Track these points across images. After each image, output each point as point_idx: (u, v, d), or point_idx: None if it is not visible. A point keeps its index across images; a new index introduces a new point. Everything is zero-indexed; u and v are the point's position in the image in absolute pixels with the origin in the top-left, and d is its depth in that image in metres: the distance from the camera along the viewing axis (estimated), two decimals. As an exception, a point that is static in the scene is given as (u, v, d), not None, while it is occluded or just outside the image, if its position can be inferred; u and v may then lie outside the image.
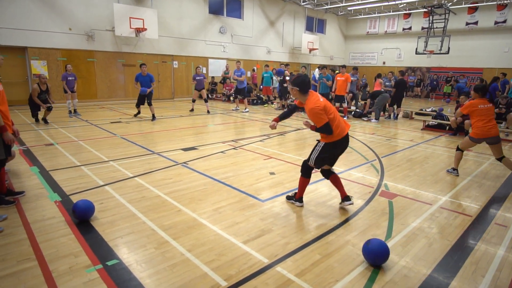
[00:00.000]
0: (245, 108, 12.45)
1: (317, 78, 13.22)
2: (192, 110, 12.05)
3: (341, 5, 21.02)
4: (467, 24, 19.96)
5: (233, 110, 12.67)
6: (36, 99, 8.49)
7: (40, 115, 9.02)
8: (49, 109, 8.70)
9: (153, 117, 9.99)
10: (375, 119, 10.97)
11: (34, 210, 3.61)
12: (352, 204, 3.82)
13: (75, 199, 3.92)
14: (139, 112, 10.34)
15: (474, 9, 19.53)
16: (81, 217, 3.31)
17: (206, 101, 11.91)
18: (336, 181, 3.86)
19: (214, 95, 17.25)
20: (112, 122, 9.33)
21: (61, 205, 3.75)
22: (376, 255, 2.68)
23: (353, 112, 12.13)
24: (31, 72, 12.21)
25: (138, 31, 13.79)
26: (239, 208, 3.81)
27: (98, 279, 2.47)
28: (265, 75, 14.24)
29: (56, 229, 3.20)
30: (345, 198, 3.82)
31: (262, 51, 20.24)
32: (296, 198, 3.91)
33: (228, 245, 2.99)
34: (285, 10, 21.03)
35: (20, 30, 11.68)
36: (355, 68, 13.38)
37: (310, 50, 22.04)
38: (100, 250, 2.86)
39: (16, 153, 5.54)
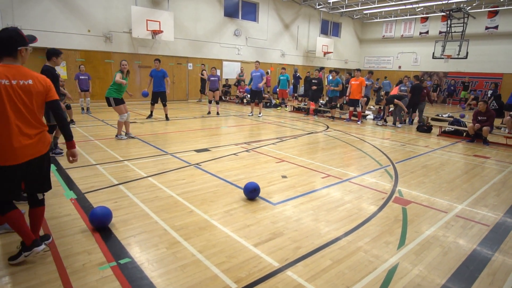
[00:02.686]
0: (259, 113, 12.11)
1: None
2: (209, 113, 12.04)
3: (357, 8, 20.89)
4: (487, 28, 19.52)
5: (248, 115, 12.09)
6: None
7: None
8: (68, 107, 8.91)
9: (167, 118, 10.14)
10: (400, 123, 11.08)
11: (50, 207, 3.69)
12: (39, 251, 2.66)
13: (90, 197, 4.00)
14: (151, 114, 10.27)
15: (495, 13, 19.08)
16: (99, 225, 3.23)
17: (217, 103, 11.94)
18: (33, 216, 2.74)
19: (227, 98, 17.35)
20: (127, 122, 9.47)
21: (76, 203, 3.83)
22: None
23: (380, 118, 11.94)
24: (51, 72, 12.54)
25: (155, 33, 14.03)
26: (251, 210, 3.81)
27: (111, 276, 2.51)
28: (281, 78, 14.20)
29: (71, 226, 3.27)
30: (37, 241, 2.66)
31: (276, 54, 20.27)
32: (28, 244, 2.59)
33: (239, 248, 2.99)
34: (300, 13, 21.03)
35: (42, 32, 12.02)
36: (370, 72, 13.24)
37: (325, 53, 21.96)
38: (113, 248, 2.90)
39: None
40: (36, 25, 11.84)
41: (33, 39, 2.60)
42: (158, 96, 9.87)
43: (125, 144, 6.84)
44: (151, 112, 10.29)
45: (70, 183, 4.45)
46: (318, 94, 12.69)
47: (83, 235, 3.11)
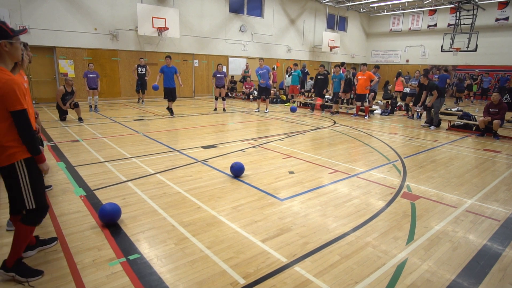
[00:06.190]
0: (266, 109, 12.05)
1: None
2: (215, 109, 12.06)
3: (364, 2, 20.64)
4: (497, 20, 19.13)
5: (255, 111, 12.02)
6: (59, 100, 8.82)
7: (74, 116, 9.37)
8: (76, 105, 8.99)
9: (170, 111, 10.55)
10: (435, 125, 9.66)
11: (60, 204, 3.75)
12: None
13: (99, 194, 4.04)
14: (172, 111, 10.61)
15: (505, 3, 18.68)
16: (108, 221, 3.26)
17: (223, 99, 11.95)
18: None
19: (234, 94, 17.33)
20: (134, 120, 9.56)
21: (86, 200, 3.87)
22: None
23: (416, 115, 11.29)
24: (59, 71, 12.67)
25: (161, 30, 14.05)
26: (258, 206, 3.82)
27: (121, 272, 2.54)
28: (293, 73, 14.14)
29: (81, 223, 3.31)
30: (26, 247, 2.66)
31: (282, 50, 20.16)
32: (10, 266, 2.42)
33: (247, 243, 3.00)
34: (306, 7, 20.85)
35: (49, 31, 12.14)
36: (377, 67, 13.09)
37: (331, 48, 21.77)
38: (122, 244, 2.94)
39: (45, 149, 5.77)
40: (43, 24, 11.95)
41: (19, 31, 2.33)
42: (170, 91, 10.28)
43: (133, 141, 6.89)
44: (170, 108, 10.59)
45: (79, 180, 4.50)
46: (322, 89, 12.50)
47: (93, 231, 3.15)
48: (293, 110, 10.43)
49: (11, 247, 2.43)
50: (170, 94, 10.29)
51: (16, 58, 2.35)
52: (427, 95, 9.99)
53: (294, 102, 14.63)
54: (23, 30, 2.40)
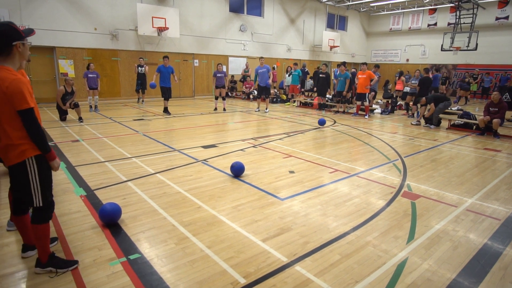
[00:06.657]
0: (266, 108, 12.06)
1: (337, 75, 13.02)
2: (215, 109, 12.07)
3: (364, 1, 20.62)
4: (497, 19, 19.11)
5: (255, 111, 12.02)
6: (59, 100, 8.82)
7: (74, 116, 9.37)
8: (76, 105, 8.99)
9: (166, 111, 10.74)
10: (435, 125, 9.66)
11: (61, 204, 3.74)
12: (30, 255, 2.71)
13: (99, 194, 4.04)
14: (167, 110, 10.79)
15: (505, 2, 18.66)
16: (108, 221, 3.26)
17: (224, 98, 11.94)
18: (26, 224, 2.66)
19: (234, 93, 17.32)
20: (134, 120, 9.55)
21: (86, 200, 3.87)
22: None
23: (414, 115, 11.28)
24: (59, 71, 12.68)
25: (160, 30, 14.05)
26: (258, 206, 3.82)
27: (121, 272, 2.54)
28: (293, 73, 14.17)
29: (81, 223, 3.31)
30: (27, 247, 2.72)
31: (282, 49, 20.15)
32: (45, 262, 2.51)
33: (247, 243, 3.00)
34: (306, 7, 20.84)
35: (49, 31, 12.14)
36: (377, 66, 13.07)
37: (331, 47, 21.76)
38: (122, 244, 2.94)
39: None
40: (43, 24, 11.94)
41: (29, 32, 2.35)
42: (166, 90, 10.60)
43: (133, 141, 6.89)
44: (166, 107, 10.80)
45: (79, 180, 4.50)
46: (325, 88, 12.56)
47: (93, 231, 3.16)
48: (321, 123, 9.14)
49: (37, 248, 2.50)
50: (167, 93, 10.62)
51: (24, 58, 2.39)
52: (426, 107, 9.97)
53: (295, 101, 14.64)
54: (32, 31, 2.42)
